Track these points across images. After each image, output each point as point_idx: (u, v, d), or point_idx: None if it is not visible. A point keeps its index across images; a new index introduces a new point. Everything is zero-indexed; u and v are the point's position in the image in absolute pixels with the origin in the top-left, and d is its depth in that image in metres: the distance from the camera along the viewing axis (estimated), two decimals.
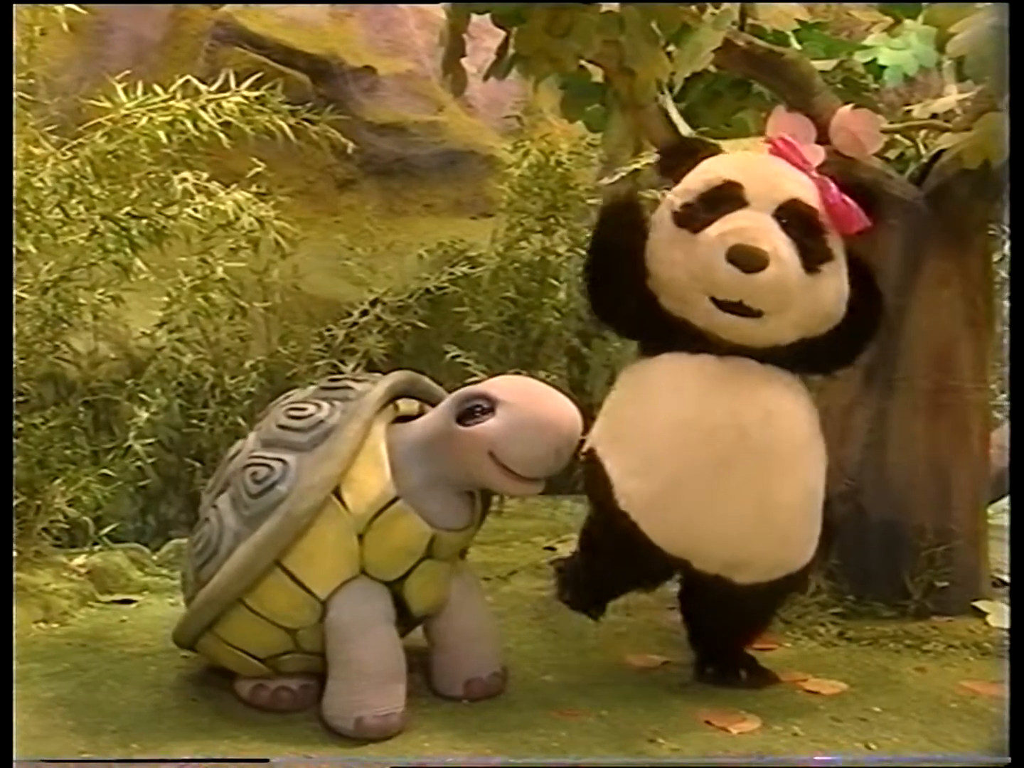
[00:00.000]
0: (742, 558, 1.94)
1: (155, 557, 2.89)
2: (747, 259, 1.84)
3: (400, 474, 1.86)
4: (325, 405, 1.90)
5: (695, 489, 1.88)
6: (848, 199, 1.93)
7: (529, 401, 1.81)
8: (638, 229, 1.98)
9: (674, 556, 1.94)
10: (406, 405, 1.95)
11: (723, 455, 1.87)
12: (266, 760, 1.73)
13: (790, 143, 2.00)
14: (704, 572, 1.96)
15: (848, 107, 2.34)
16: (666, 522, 1.92)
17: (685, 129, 2.08)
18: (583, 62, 2.41)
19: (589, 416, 1.94)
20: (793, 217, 1.89)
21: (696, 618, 2.13)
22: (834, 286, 1.93)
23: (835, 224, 1.93)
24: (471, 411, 1.82)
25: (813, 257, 1.89)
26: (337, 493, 1.84)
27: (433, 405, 1.94)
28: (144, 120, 2.52)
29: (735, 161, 2.00)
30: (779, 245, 1.86)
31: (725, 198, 1.91)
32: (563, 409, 1.81)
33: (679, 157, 2.05)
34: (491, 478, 1.83)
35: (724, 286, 1.87)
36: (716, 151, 2.03)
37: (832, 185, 1.94)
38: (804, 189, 1.93)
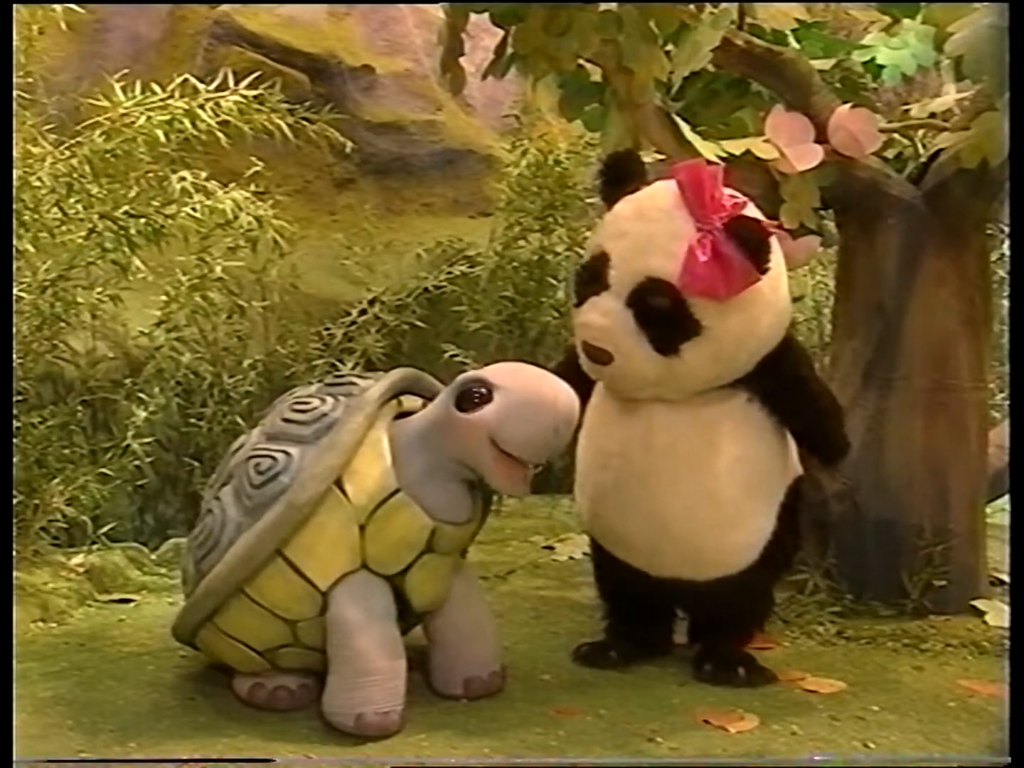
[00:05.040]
0: (669, 561, 2.06)
1: (153, 556, 2.88)
2: (593, 355, 1.96)
3: (401, 467, 1.86)
4: (329, 399, 1.92)
5: (607, 506, 2.07)
6: (732, 255, 1.86)
7: (525, 384, 1.82)
8: None
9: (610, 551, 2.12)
10: (409, 402, 1.96)
11: (615, 479, 2.05)
12: (265, 760, 1.73)
13: (696, 179, 1.91)
14: (661, 576, 2.07)
15: (846, 106, 2.35)
16: (600, 529, 2.14)
17: (685, 129, 2.07)
18: (581, 61, 2.41)
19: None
20: (645, 303, 1.91)
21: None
22: (708, 355, 1.93)
23: (700, 293, 1.88)
24: (470, 397, 1.82)
25: (669, 340, 1.92)
26: (339, 484, 1.84)
27: None
28: (142, 119, 2.51)
29: (617, 223, 2.00)
30: (623, 341, 1.92)
31: (596, 274, 1.98)
32: (559, 389, 1.82)
33: (616, 182, 2.06)
34: (491, 466, 1.83)
35: (587, 368, 2.01)
36: (641, 182, 2.02)
37: (700, 252, 1.86)
38: (669, 261, 1.89)
